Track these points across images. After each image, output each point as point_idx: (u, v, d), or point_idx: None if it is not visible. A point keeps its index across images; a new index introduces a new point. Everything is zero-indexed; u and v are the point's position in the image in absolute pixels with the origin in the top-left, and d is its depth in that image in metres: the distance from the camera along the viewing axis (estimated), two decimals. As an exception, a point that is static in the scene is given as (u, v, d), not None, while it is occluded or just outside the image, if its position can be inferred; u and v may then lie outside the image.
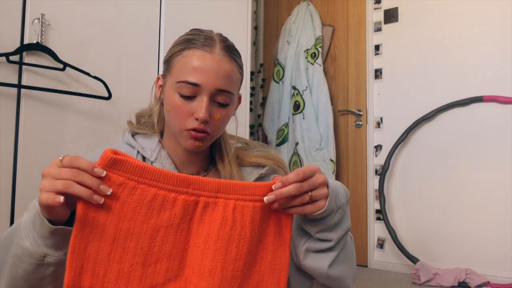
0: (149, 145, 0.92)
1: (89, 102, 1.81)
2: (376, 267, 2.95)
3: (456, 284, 2.44)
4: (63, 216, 0.64)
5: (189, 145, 0.86)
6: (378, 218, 2.98)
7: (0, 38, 1.59)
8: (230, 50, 0.88)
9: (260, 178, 0.94)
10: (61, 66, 1.71)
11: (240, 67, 0.91)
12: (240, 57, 0.92)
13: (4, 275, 0.70)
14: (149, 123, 0.97)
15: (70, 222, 0.65)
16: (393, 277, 2.70)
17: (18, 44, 1.63)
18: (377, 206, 2.97)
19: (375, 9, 3.11)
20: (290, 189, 0.68)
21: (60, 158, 0.63)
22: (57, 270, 0.68)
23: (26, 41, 1.65)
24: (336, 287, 0.81)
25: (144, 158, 0.90)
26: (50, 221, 0.64)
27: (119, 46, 1.94)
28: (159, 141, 0.93)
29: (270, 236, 0.71)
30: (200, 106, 0.83)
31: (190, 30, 0.90)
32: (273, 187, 0.69)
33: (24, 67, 1.64)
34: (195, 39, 0.86)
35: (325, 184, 0.72)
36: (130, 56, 1.97)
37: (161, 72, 0.94)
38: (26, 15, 1.65)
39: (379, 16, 3.09)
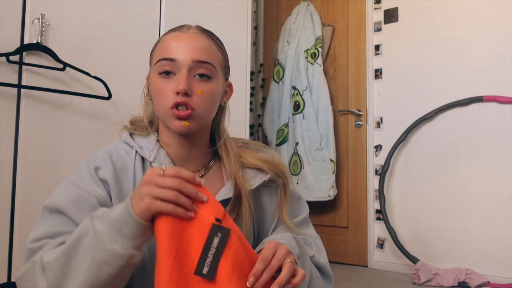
0: (147, 145, 0.91)
1: (89, 102, 1.81)
2: (376, 267, 2.95)
3: (456, 284, 2.44)
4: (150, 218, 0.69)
5: (176, 126, 0.84)
6: (378, 218, 2.98)
7: (0, 38, 1.59)
8: (207, 32, 0.90)
9: (265, 184, 0.93)
10: (61, 66, 1.71)
11: (221, 47, 0.92)
12: (221, 42, 0.93)
13: (72, 285, 0.70)
14: (143, 125, 0.96)
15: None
16: (393, 277, 2.70)
17: (18, 44, 1.63)
18: (377, 206, 2.97)
19: (375, 9, 3.11)
20: (264, 277, 0.70)
21: (163, 168, 0.68)
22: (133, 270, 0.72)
23: (26, 41, 1.65)
24: None
25: (142, 159, 0.89)
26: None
27: (119, 46, 1.94)
28: (157, 140, 0.92)
29: None
30: (179, 78, 0.83)
31: None
32: (247, 284, 0.69)
33: (24, 67, 1.64)
34: (172, 29, 0.90)
35: (289, 252, 0.75)
36: (130, 56, 1.97)
37: None
38: (26, 15, 1.65)
39: (379, 16, 3.09)
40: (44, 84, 1.67)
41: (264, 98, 3.60)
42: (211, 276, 0.65)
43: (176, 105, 0.83)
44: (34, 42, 1.65)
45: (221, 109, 0.95)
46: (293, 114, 3.23)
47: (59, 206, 0.80)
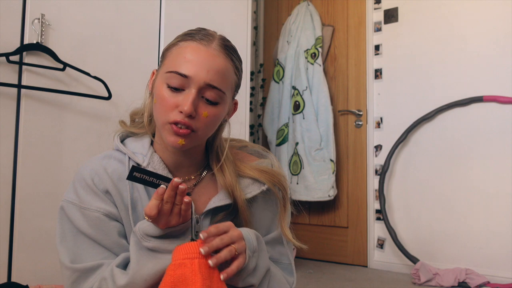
0: (140, 149, 0.88)
1: (89, 102, 1.81)
2: (376, 267, 2.95)
3: (456, 284, 2.44)
4: None
5: (171, 141, 0.81)
6: (378, 218, 2.98)
7: (0, 38, 1.59)
8: (228, 49, 0.85)
9: (261, 194, 0.91)
10: (61, 66, 1.71)
11: (237, 69, 0.87)
12: (240, 61, 0.88)
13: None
14: (142, 121, 0.94)
15: None
16: (393, 277, 2.70)
17: (18, 44, 1.63)
18: (377, 206, 2.97)
19: (375, 9, 3.11)
20: (214, 242, 0.73)
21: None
22: None
23: (26, 41, 1.65)
24: None
25: (137, 164, 0.87)
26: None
27: (119, 46, 1.94)
28: (151, 144, 0.90)
29: None
30: (186, 98, 0.80)
31: (195, 28, 0.88)
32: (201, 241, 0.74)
33: (24, 67, 1.64)
34: (194, 33, 0.85)
35: (242, 237, 0.76)
36: (130, 56, 1.97)
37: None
38: (26, 15, 1.65)
39: (379, 16, 3.09)
40: (44, 84, 1.67)
41: (264, 98, 3.60)
42: None
43: (176, 122, 0.80)
44: (34, 42, 1.65)
45: (220, 125, 0.92)
46: (293, 114, 3.23)
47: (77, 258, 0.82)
